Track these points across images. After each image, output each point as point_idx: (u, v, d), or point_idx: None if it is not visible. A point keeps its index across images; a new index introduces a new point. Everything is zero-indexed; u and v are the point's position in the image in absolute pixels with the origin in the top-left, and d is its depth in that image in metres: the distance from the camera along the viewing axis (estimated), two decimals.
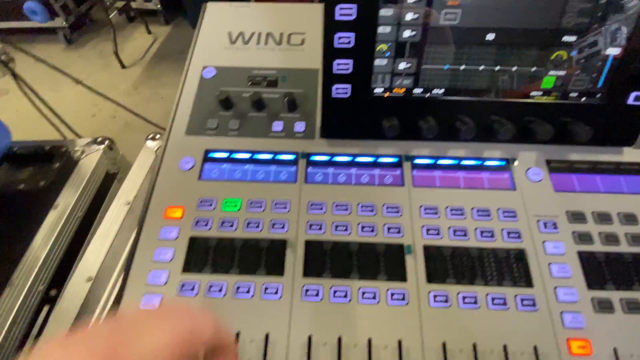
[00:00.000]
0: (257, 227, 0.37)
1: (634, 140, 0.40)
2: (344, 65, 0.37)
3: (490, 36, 0.35)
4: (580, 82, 0.37)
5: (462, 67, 0.37)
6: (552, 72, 0.37)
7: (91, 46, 2.44)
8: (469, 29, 0.35)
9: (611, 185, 0.39)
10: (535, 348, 0.31)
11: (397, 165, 0.41)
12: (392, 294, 0.33)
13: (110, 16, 2.18)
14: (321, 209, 0.38)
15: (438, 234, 0.36)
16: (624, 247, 0.36)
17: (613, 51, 0.36)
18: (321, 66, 0.37)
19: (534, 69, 0.37)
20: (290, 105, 0.44)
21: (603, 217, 0.37)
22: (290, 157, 0.41)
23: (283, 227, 0.37)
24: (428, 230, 0.37)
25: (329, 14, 0.34)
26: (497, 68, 0.37)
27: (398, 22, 0.35)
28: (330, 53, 0.36)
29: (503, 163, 0.41)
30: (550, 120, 0.38)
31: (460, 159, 0.41)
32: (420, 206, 0.38)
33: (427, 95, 0.39)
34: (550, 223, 0.37)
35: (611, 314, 0.33)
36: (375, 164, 0.41)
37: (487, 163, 0.41)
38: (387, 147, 0.42)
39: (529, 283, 0.34)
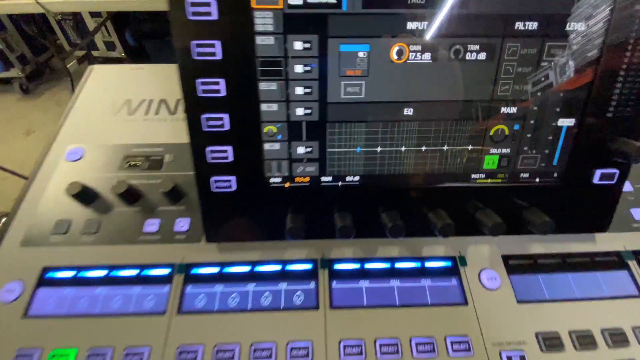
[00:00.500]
0: None
1: (607, 226, 0.32)
2: (220, 153, 0.27)
3: (408, 111, 0.27)
4: (530, 160, 0.29)
5: (379, 149, 0.28)
6: (493, 151, 0.29)
7: (49, 95, 2.33)
8: (379, 103, 0.26)
9: (588, 287, 0.30)
10: None
11: (311, 275, 0.30)
12: None
13: (69, 65, 2.10)
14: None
15: None
16: None
17: (566, 122, 0.28)
18: (191, 155, 0.27)
19: (470, 147, 0.28)
20: (173, 195, 0.33)
21: (585, 340, 0.27)
22: (164, 271, 0.30)
23: None
24: None
25: (188, 89, 0.25)
26: (424, 148, 0.28)
27: (286, 98, 0.26)
28: (198, 139, 0.26)
29: (449, 264, 0.31)
30: (500, 207, 0.30)
31: (394, 260, 0.31)
32: (340, 342, 0.27)
33: (340, 183, 0.29)
34: (517, 356, 0.26)
35: None
36: (281, 275, 0.30)
37: (429, 264, 0.31)
38: (297, 249, 0.31)
39: None
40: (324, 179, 0.29)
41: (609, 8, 0.25)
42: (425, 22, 0.24)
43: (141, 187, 0.34)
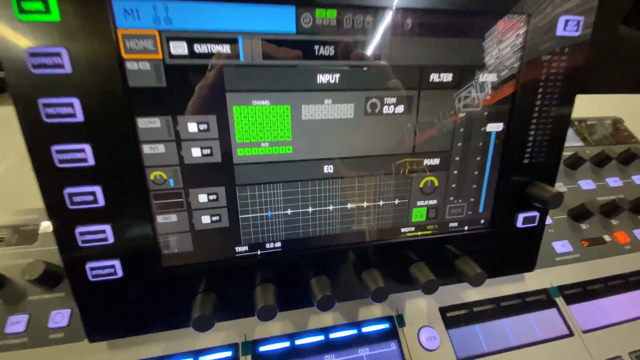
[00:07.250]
0: None
1: (533, 265, 0.32)
2: (95, 235, 0.21)
3: (328, 169, 0.24)
4: (457, 209, 0.28)
5: (299, 210, 0.25)
6: (420, 203, 0.27)
7: None
8: (295, 162, 0.23)
9: (522, 332, 0.30)
10: None
11: None
12: None
13: None
14: None
15: None
16: None
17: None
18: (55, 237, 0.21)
19: (396, 201, 0.26)
20: (46, 280, 0.26)
21: None
22: None
23: None
24: None
25: (40, 161, 0.19)
26: (350, 206, 0.25)
27: (180, 161, 0.21)
28: (62, 219, 0.20)
29: (387, 326, 0.28)
30: (433, 258, 0.28)
31: (327, 330, 0.27)
32: None
33: (259, 252, 0.25)
34: None
35: None
36: None
37: (366, 330, 0.28)
38: (212, 332, 0.26)
39: None
40: (238, 248, 0.25)
41: (517, 62, 0.25)
42: (337, 75, 0.22)
43: (4, 270, 0.26)
